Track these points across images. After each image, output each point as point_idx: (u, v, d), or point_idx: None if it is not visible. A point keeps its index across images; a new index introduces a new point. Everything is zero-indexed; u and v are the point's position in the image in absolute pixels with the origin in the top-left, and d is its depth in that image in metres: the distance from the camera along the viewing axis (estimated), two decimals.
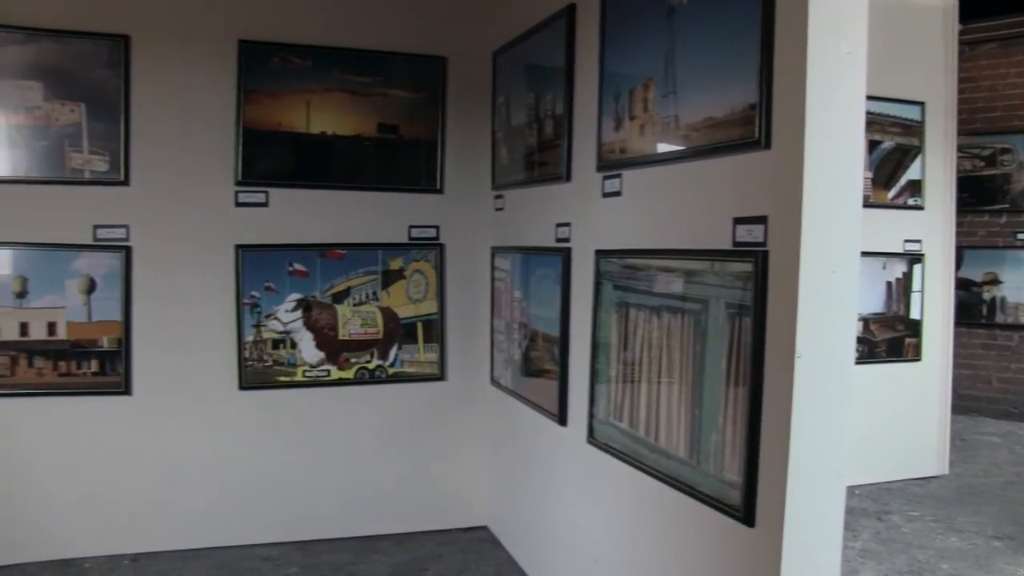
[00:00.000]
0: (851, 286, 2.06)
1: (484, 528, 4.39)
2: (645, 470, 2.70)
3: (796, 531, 2.04)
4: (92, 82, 3.88)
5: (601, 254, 3.02)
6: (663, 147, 2.65)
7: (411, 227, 4.23)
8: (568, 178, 3.33)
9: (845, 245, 2.04)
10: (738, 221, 2.25)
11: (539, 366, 3.61)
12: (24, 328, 3.84)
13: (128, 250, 3.91)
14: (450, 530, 4.36)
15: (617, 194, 2.96)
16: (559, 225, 3.43)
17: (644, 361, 2.73)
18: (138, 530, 4.01)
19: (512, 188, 3.99)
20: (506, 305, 4.03)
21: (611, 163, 2.98)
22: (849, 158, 2.04)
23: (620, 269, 2.88)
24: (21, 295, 3.84)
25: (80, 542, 3.96)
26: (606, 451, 2.97)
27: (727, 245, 2.29)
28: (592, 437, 3.08)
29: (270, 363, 4.07)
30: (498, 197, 4.19)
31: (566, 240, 3.36)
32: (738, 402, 2.23)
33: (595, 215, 3.11)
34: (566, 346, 3.34)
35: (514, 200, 4.00)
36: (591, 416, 3.09)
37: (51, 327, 3.86)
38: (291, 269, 4.07)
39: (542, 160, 3.60)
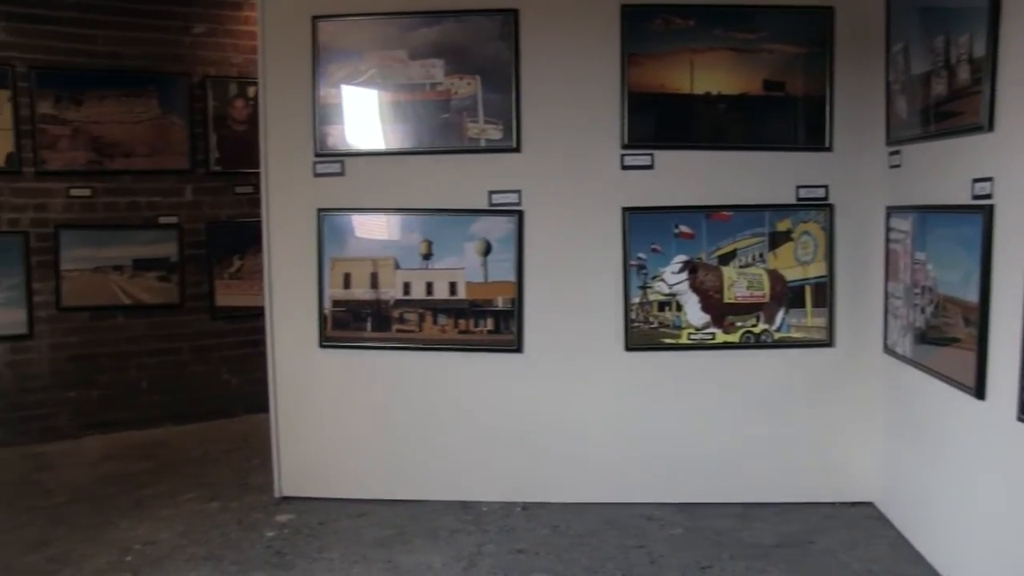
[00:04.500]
0: None
1: (870, 504, 4.22)
2: None
3: None
4: (486, 56, 4.18)
5: None
6: None
7: (799, 187, 4.14)
8: (990, 127, 3.07)
9: None
10: None
11: (947, 334, 3.39)
12: (429, 288, 4.27)
13: (520, 214, 4.19)
14: (833, 503, 4.24)
15: None
16: (977, 180, 3.17)
17: None
18: (529, 480, 4.31)
19: (912, 143, 3.75)
20: (904, 268, 3.81)
21: None
22: None
23: None
24: (427, 257, 4.26)
25: (478, 487, 4.34)
26: None
27: None
28: None
29: (655, 325, 4.19)
30: (894, 153, 3.96)
31: (987, 196, 3.10)
32: None
33: None
34: (986, 312, 3.10)
35: (915, 155, 3.76)
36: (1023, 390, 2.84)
37: (452, 287, 4.25)
38: (677, 231, 4.14)
39: (954, 110, 3.35)
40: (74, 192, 5.67)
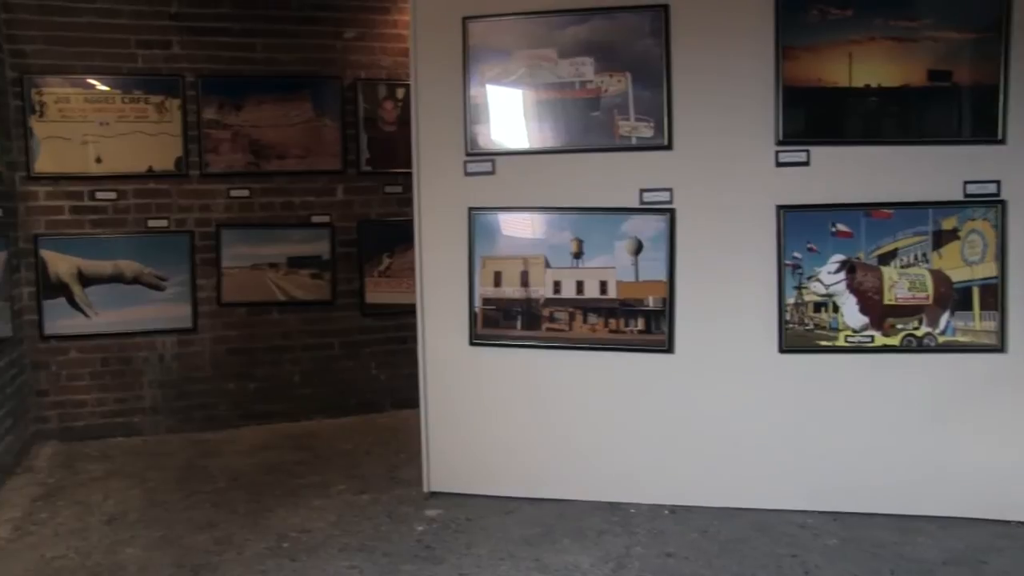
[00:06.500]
0: None
1: None
2: None
3: None
4: (636, 53, 4.15)
5: None
6: None
7: (966, 183, 3.93)
8: None
9: None
10: None
11: None
12: (580, 287, 4.28)
13: (672, 212, 4.14)
14: (1007, 522, 3.99)
15: None
16: None
17: None
18: (677, 483, 4.26)
19: None
20: None
21: None
22: None
23: None
24: (577, 256, 4.27)
25: (626, 488, 4.31)
26: None
27: None
28: None
29: (811, 326, 4.07)
30: None
31: None
32: None
33: None
34: None
35: None
36: None
37: (602, 286, 4.25)
38: (834, 230, 4.01)
39: None
40: (234, 193, 5.96)
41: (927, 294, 3.99)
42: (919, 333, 4.00)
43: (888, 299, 4.01)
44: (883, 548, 3.77)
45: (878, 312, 4.02)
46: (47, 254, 5.58)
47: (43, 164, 5.56)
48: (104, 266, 5.70)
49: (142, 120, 5.71)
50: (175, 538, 4.03)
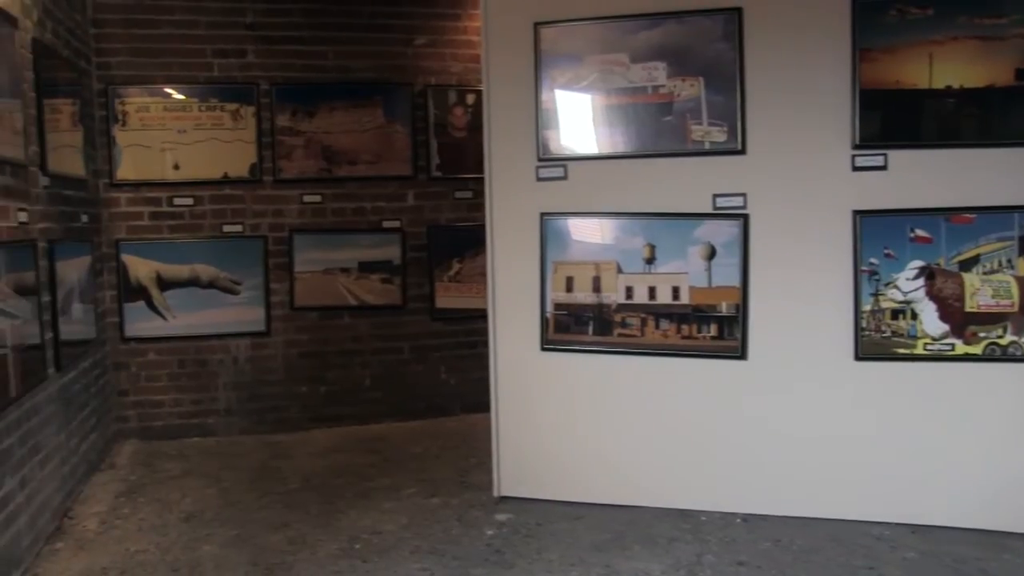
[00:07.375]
0: None
1: None
2: None
3: None
4: (709, 57, 4.15)
5: None
6: None
7: None
8: None
9: None
10: None
11: None
12: (652, 292, 4.28)
13: (746, 218, 4.12)
14: None
15: None
16: None
17: None
18: (750, 491, 4.23)
19: None
20: None
21: None
22: None
23: None
24: (650, 261, 4.27)
25: (696, 496, 4.29)
26: None
27: None
28: None
29: (888, 334, 4.01)
30: None
31: None
32: None
33: None
34: None
35: None
36: None
37: (675, 291, 4.25)
38: (912, 235, 3.95)
39: None
40: (306, 198, 6.10)
41: (1012, 301, 3.89)
42: (1003, 342, 3.91)
43: (970, 306, 3.92)
44: (965, 564, 3.68)
45: (959, 320, 3.94)
46: (128, 258, 5.78)
47: (124, 171, 5.76)
48: (181, 270, 5.87)
49: (218, 127, 5.87)
50: (249, 537, 4.14)
